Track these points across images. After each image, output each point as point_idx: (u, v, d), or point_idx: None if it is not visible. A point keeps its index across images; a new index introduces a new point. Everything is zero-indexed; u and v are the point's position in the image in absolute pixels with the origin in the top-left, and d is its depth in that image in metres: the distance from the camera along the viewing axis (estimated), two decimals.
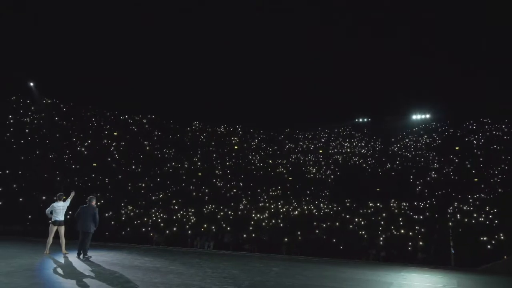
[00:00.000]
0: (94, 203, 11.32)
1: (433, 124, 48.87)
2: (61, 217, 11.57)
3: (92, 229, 11.13)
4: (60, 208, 11.55)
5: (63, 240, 11.52)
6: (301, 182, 39.03)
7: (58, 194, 11.73)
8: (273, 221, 29.04)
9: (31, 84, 40.19)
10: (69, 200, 11.87)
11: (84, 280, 8.09)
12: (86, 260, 10.58)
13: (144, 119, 48.87)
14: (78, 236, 11.17)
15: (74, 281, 7.89)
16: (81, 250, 11.00)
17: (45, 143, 36.07)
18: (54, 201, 11.63)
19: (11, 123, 37.46)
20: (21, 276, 7.99)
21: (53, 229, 11.45)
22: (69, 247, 11.70)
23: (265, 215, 30.67)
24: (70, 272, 9.01)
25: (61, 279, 8.05)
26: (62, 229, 11.59)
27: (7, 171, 29.86)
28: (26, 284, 7.37)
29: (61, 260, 10.59)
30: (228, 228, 26.57)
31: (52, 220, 11.47)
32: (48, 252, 11.32)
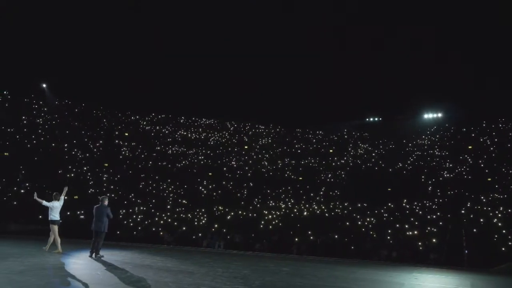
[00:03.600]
0: (106, 202, 11.48)
1: (446, 124, 48.29)
2: (58, 216, 11.75)
3: (105, 228, 11.26)
4: (57, 208, 11.72)
5: (53, 239, 11.61)
6: (312, 182, 38.89)
7: (54, 194, 11.91)
8: (284, 221, 28.99)
9: (44, 85, 40.88)
10: (62, 197, 11.99)
11: (96, 279, 8.19)
12: (98, 259, 10.72)
13: (154, 119, 49.21)
14: (91, 236, 11.30)
15: (86, 280, 7.98)
16: (94, 250, 11.14)
17: (58, 143, 36.55)
18: (51, 201, 11.85)
19: (24, 124, 38.01)
20: (35, 275, 8.10)
21: (55, 228, 11.63)
22: (81, 247, 11.83)
23: (276, 214, 30.64)
24: (82, 271, 9.11)
25: (73, 278, 8.13)
26: (56, 228, 11.72)
27: (23, 171, 30.26)
28: (40, 282, 7.47)
29: (74, 259, 10.71)
30: (238, 229, 26.58)
31: (51, 220, 11.59)
32: (60, 250, 11.47)
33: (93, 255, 11.08)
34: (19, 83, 41.64)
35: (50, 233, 11.68)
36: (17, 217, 23.45)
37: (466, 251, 20.73)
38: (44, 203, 11.79)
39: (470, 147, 42.16)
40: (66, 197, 12.16)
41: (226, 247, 21.53)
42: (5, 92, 40.78)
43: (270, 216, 30.11)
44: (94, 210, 11.37)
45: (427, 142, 46.82)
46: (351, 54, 69.39)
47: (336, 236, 24.35)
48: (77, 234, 17.84)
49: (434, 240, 22.80)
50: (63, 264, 9.83)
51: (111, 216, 11.44)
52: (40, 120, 40.07)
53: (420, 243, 22.49)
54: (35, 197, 12.04)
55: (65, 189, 12.29)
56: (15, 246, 12.12)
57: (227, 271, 9.73)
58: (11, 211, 24.40)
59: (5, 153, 31.09)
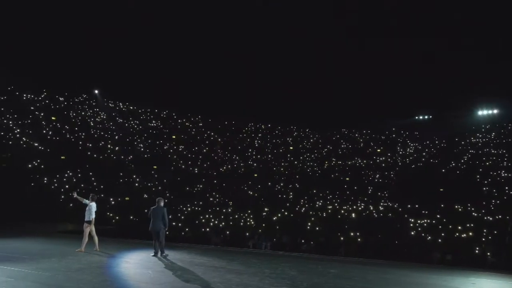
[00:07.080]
0: (162, 203, 11.92)
1: (502, 121, 45.57)
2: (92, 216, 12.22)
3: (162, 228, 11.61)
4: (94, 208, 12.20)
5: (86, 240, 12.03)
6: (359, 183, 38.11)
7: (91, 195, 12.49)
8: (331, 222, 28.62)
9: (96, 91, 42.98)
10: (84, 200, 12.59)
11: (147, 278, 8.43)
12: (164, 258, 11.26)
13: (200, 122, 50.12)
14: (142, 236, 11.69)
15: (138, 279, 8.26)
16: (157, 249, 11.65)
17: (109, 146, 38.14)
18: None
19: (78, 128, 39.96)
20: (91, 273, 8.49)
21: (92, 227, 12.12)
22: (133, 247, 12.22)
23: (323, 216, 30.32)
24: (135, 270, 9.43)
25: (126, 277, 8.45)
26: (89, 229, 12.20)
27: (79, 175, 31.72)
28: (96, 280, 7.81)
29: (127, 258, 11.11)
30: (285, 229, 26.51)
31: (91, 219, 12.07)
32: (98, 248, 12.10)
33: (158, 254, 11.56)
34: (72, 89, 43.85)
35: (93, 233, 12.20)
36: (72, 218, 24.61)
37: None
38: (85, 201, 12.41)
39: None
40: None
41: (273, 248, 21.53)
42: (61, 99, 43.07)
43: (317, 217, 29.81)
44: (150, 211, 11.79)
45: (482, 140, 44.52)
46: (399, 51, 67.20)
47: (385, 238, 23.72)
48: (131, 235, 18.54)
49: (491, 243, 21.64)
50: (117, 263, 10.22)
51: (166, 219, 11.75)
52: (91, 123, 41.91)
53: (476, 246, 21.42)
54: (76, 195, 12.81)
55: (74, 194, 12.99)
56: (73, 245, 12.73)
57: (274, 272, 9.71)
58: (69, 212, 25.65)
59: (62, 157, 32.68)
